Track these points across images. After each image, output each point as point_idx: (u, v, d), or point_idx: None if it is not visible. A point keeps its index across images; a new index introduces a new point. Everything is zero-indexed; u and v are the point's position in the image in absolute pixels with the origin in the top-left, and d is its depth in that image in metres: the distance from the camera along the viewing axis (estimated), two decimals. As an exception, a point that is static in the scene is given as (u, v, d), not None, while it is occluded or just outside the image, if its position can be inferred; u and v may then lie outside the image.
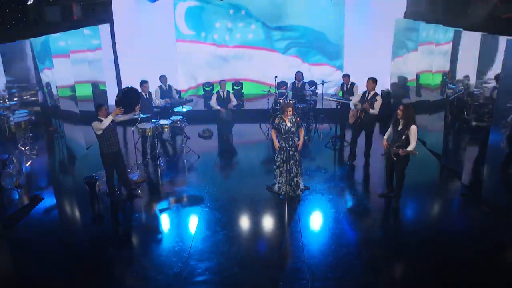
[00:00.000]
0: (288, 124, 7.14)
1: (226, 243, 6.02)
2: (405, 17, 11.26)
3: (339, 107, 9.70)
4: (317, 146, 9.92)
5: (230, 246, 5.94)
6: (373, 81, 8.33)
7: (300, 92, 10.88)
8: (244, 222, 6.62)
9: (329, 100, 9.87)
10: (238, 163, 9.34)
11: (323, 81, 10.44)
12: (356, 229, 6.37)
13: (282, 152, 7.19)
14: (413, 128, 6.47)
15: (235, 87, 13.18)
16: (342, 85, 9.92)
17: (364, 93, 8.50)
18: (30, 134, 8.56)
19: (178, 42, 13.04)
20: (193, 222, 6.61)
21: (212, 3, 12.73)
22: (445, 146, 8.97)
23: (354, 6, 12.34)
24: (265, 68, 12.64)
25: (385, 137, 6.95)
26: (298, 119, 7.34)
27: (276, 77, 10.94)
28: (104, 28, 11.67)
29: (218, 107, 10.29)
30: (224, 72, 13.00)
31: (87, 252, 5.93)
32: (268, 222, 6.69)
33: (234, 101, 10.53)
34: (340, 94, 9.93)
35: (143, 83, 8.97)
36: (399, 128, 6.61)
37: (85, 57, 10.04)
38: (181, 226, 6.65)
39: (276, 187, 7.43)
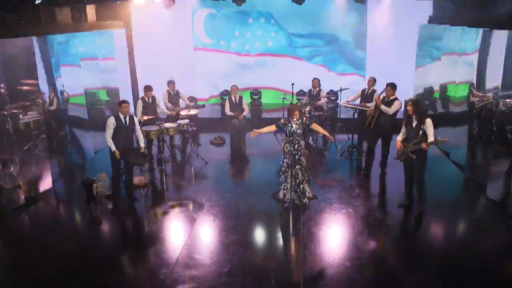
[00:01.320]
0: (294, 126, 6.70)
1: (218, 251, 5.56)
2: (429, 22, 10.67)
3: (356, 114, 9.14)
4: (333, 156, 9.37)
5: (222, 255, 5.47)
6: (392, 87, 7.85)
7: (316, 99, 10.41)
8: (241, 230, 6.12)
9: (346, 106, 9.33)
10: (246, 171, 8.90)
11: (341, 88, 9.91)
12: (364, 242, 5.76)
13: (288, 156, 6.73)
14: (428, 121, 6.19)
15: (253, 96, 12.86)
16: (364, 90, 9.35)
17: (383, 98, 8.01)
18: (42, 135, 8.44)
19: (197, 50, 12.88)
20: (187, 229, 6.20)
21: (231, 11, 12.53)
22: (470, 158, 8.32)
23: (376, 13, 11.86)
24: (289, 77, 11.92)
25: (399, 138, 6.53)
26: (305, 119, 6.90)
27: (293, 84, 10.53)
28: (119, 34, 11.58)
29: (231, 113, 9.94)
30: (246, 80, 12.72)
31: (70, 255, 5.59)
32: (267, 231, 6.19)
33: (246, 110, 10.13)
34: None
35: (147, 90, 8.68)
36: (414, 125, 6.29)
37: (97, 64, 10.00)
38: (174, 232, 6.26)
39: (281, 194, 6.94)
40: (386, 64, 11.40)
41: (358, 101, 9.38)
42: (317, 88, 10.43)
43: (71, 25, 8.99)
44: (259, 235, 6.11)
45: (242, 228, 6.18)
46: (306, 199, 6.87)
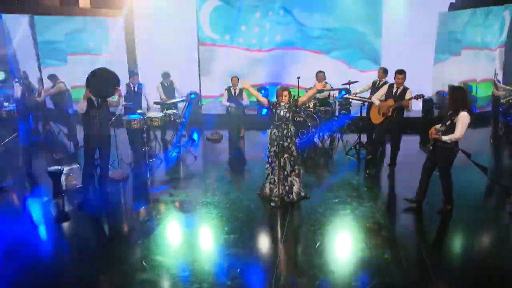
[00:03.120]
0: (283, 110, 5.87)
1: (181, 254, 4.72)
2: (450, 9, 9.63)
3: (364, 108, 8.18)
4: (339, 157, 8.42)
5: (184, 258, 4.62)
6: (400, 73, 6.85)
7: (321, 93, 9.50)
8: (210, 235, 5.26)
9: (351, 99, 8.38)
10: (236, 169, 7.95)
11: (349, 81, 8.95)
12: (359, 249, 4.80)
13: (275, 144, 5.88)
14: (463, 115, 5.17)
15: (262, 92, 12.03)
16: (375, 82, 8.37)
17: (391, 86, 7.02)
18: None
19: (208, 46, 12.13)
20: (153, 228, 5.38)
21: (239, 4, 11.78)
22: (495, 159, 7.27)
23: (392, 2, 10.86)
24: (301, 72, 11.16)
25: (437, 126, 5.52)
26: (294, 97, 6.10)
27: (298, 77, 9.62)
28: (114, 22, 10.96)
29: (228, 103, 9.19)
30: (258, 75, 11.92)
31: (28, 261, 4.84)
32: (245, 235, 5.26)
33: (246, 101, 9.35)
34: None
35: (132, 74, 8.00)
36: (448, 113, 5.37)
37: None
38: (140, 233, 5.40)
39: (267, 189, 6.09)
40: (402, 58, 10.35)
41: (367, 94, 8.42)
42: (323, 82, 9.52)
43: (59, 8, 8.41)
44: (230, 241, 5.20)
45: (210, 232, 5.33)
46: (294, 196, 5.97)
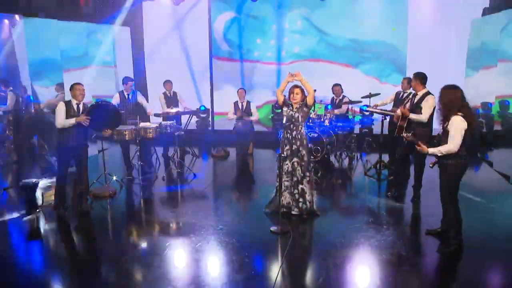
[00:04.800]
0: (293, 110, 5.26)
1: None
2: (483, 14, 8.63)
3: (385, 119, 7.22)
4: (358, 178, 7.43)
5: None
6: (417, 78, 5.87)
7: (338, 108, 8.63)
8: (191, 267, 4.37)
9: (371, 111, 7.44)
10: (238, 189, 7.00)
11: (370, 93, 8.03)
12: (372, 287, 3.81)
13: (286, 147, 5.27)
14: (456, 119, 4.15)
15: (275, 110, 11.21)
16: (398, 93, 7.41)
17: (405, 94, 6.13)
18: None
19: (222, 60, 11.47)
20: (129, 254, 4.54)
21: (254, 18, 11.15)
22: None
23: (418, 11, 9.92)
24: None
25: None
26: (304, 98, 5.30)
27: (315, 90, 8.70)
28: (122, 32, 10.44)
29: (235, 116, 8.41)
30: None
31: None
32: (234, 265, 4.36)
33: (255, 116, 8.54)
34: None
35: (126, 80, 7.30)
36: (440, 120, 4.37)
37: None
38: (121, 261, 4.59)
39: (276, 198, 5.37)
40: (431, 71, 9.36)
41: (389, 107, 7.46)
42: (340, 96, 8.64)
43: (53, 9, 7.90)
44: (214, 276, 4.30)
45: (198, 258, 4.43)
46: (306, 205, 5.27)
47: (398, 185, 6.24)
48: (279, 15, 11.07)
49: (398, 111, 5.95)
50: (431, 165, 4.46)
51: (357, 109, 9.01)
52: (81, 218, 5.53)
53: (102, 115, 5.60)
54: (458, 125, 4.12)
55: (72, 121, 5.38)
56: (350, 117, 8.66)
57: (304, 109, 5.27)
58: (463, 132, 4.14)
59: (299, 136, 5.26)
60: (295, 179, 5.27)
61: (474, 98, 9.08)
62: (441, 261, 4.30)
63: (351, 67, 10.91)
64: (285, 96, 5.46)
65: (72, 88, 5.51)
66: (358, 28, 10.57)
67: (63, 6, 7.98)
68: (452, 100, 4.20)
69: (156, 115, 8.05)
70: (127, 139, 6.63)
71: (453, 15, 9.28)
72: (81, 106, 5.53)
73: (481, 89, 8.80)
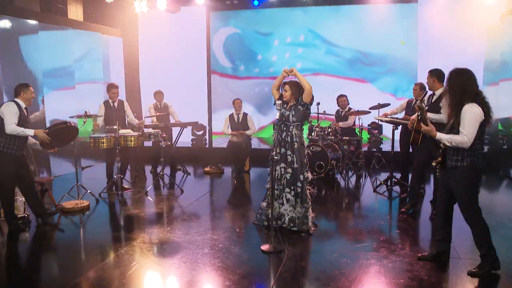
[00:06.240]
0: (286, 108, 4.59)
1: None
2: (501, 19, 7.92)
3: (396, 129, 6.44)
4: (366, 197, 6.52)
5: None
6: (433, 75, 5.11)
7: (343, 120, 7.88)
8: None
9: (381, 120, 6.64)
10: (229, 207, 6.03)
11: (379, 103, 7.25)
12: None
13: (277, 150, 4.60)
14: (468, 107, 3.35)
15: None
16: (410, 101, 6.63)
17: (428, 97, 5.34)
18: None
19: (221, 76, 10.88)
20: (82, 278, 3.70)
21: (255, 33, 10.61)
22: None
23: (428, 22, 9.26)
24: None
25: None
26: (297, 96, 4.62)
27: (318, 103, 7.98)
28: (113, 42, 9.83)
29: (230, 132, 7.67)
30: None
31: None
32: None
33: (252, 130, 7.79)
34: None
35: (111, 87, 6.61)
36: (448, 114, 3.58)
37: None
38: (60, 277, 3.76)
39: (263, 217, 4.73)
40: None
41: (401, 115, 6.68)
42: (346, 108, 7.91)
43: (38, 14, 7.35)
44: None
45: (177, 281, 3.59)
46: (287, 220, 4.57)
47: (414, 200, 5.37)
48: (281, 29, 10.51)
49: (413, 116, 5.18)
50: (434, 164, 3.66)
51: (366, 125, 8.25)
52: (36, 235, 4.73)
53: (61, 136, 5.02)
54: (473, 114, 3.32)
55: (30, 132, 4.65)
56: (357, 133, 7.86)
57: (299, 107, 4.55)
58: (478, 123, 3.34)
59: (288, 139, 4.53)
60: (281, 187, 4.57)
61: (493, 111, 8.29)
62: (473, 287, 3.41)
63: (364, 82, 10.20)
64: (281, 93, 4.74)
65: (23, 89, 4.78)
66: (366, 41, 9.94)
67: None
68: (465, 88, 3.40)
69: (146, 126, 7.31)
70: (105, 147, 5.89)
71: (467, 22, 8.58)
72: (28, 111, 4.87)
73: (501, 102, 8.00)
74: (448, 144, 3.41)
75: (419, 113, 3.88)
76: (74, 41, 8.31)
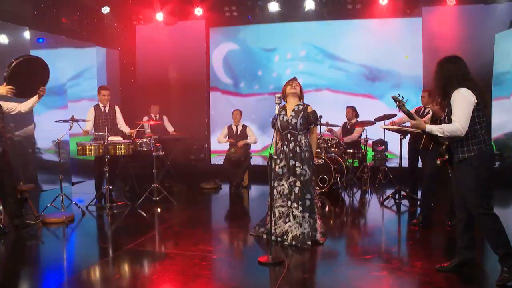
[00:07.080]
0: (289, 114, 4.13)
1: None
2: (510, 27, 7.63)
3: (404, 138, 6.07)
4: (372, 209, 6.09)
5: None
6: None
7: (350, 134, 7.52)
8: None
9: (387, 129, 6.24)
10: (223, 221, 5.63)
11: (384, 114, 6.88)
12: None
13: (282, 163, 4.12)
14: (458, 92, 3.08)
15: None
16: (418, 111, 6.25)
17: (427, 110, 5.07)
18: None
19: (221, 93, 10.59)
20: None
21: (255, 48, 10.37)
22: None
23: (432, 32, 8.97)
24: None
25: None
26: (309, 108, 4.21)
27: (321, 116, 7.60)
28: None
29: (226, 139, 7.31)
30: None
31: None
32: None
33: (251, 140, 7.41)
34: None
35: (101, 89, 6.23)
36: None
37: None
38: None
39: (262, 229, 4.32)
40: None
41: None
42: (353, 120, 7.56)
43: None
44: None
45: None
46: (296, 235, 4.02)
47: (426, 212, 4.91)
48: (282, 43, 10.29)
49: (425, 118, 4.84)
50: (439, 162, 3.30)
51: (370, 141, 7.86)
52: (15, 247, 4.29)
53: (28, 78, 4.51)
54: (462, 98, 3.03)
55: None
56: (362, 146, 7.47)
57: (304, 116, 4.14)
58: (469, 107, 3.01)
59: (297, 149, 4.10)
60: (289, 202, 4.08)
61: (503, 126, 7.92)
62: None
63: (372, 98, 9.87)
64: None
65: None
66: (370, 56, 9.68)
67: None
68: (452, 74, 3.13)
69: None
70: (93, 154, 5.50)
71: (474, 30, 8.27)
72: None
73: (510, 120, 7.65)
74: (441, 135, 3.11)
75: (397, 105, 3.51)
76: (69, 58, 8.04)
